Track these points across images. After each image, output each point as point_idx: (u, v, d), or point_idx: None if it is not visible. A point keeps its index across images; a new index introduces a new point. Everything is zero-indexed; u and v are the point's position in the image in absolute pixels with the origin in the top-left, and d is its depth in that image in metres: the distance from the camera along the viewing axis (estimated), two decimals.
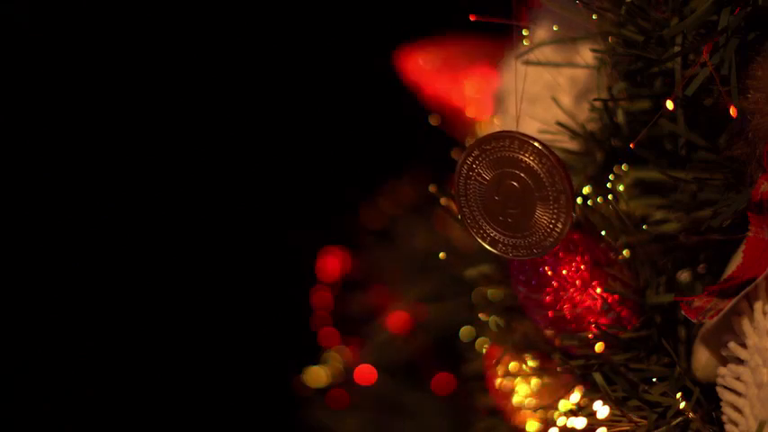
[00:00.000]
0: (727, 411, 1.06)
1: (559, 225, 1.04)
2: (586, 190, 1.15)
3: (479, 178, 1.06)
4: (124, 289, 2.06)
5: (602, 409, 1.10)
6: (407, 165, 1.69)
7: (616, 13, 1.08)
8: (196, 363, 2.04)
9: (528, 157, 1.03)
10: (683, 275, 1.15)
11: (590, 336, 1.12)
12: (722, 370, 1.06)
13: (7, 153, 2.03)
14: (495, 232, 1.06)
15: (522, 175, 1.04)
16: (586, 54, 1.17)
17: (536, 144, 1.03)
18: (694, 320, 1.05)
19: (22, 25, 2.02)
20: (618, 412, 1.10)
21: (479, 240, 1.07)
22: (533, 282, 1.13)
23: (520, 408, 1.25)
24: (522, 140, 1.03)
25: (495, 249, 1.07)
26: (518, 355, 1.20)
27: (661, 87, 1.12)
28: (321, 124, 2.05)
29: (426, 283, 1.61)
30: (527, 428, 1.23)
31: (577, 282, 1.12)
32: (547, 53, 1.19)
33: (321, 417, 1.69)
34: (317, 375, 1.72)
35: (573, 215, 1.03)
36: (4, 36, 2.00)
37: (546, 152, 1.03)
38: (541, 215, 1.04)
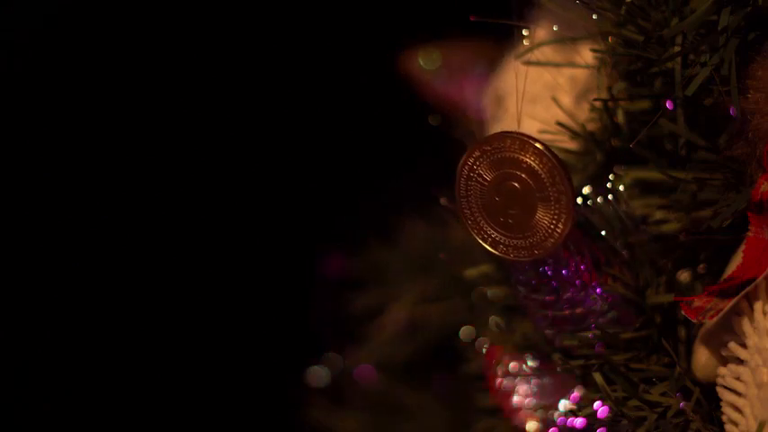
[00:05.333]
0: (727, 411, 1.06)
1: (560, 226, 1.04)
2: (586, 190, 1.15)
3: (480, 179, 1.06)
4: (124, 289, 2.06)
5: (602, 409, 1.10)
6: (408, 165, 1.68)
7: (616, 13, 1.08)
8: (196, 363, 2.04)
9: (529, 158, 1.03)
10: (683, 275, 1.15)
11: (590, 336, 1.12)
12: (722, 370, 1.06)
13: (7, 153, 2.03)
14: (495, 233, 1.06)
15: (523, 175, 1.04)
16: (586, 54, 1.17)
17: (537, 145, 1.03)
18: (694, 320, 1.05)
19: (22, 24, 2.02)
20: (618, 412, 1.10)
21: (480, 241, 1.07)
22: (533, 282, 1.13)
23: (520, 408, 1.25)
24: (523, 141, 1.03)
25: (496, 251, 1.07)
26: (518, 355, 1.20)
27: (661, 87, 1.11)
28: (321, 124, 2.05)
29: (426, 283, 1.60)
30: (527, 428, 1.23)
31: (577, 282, 1.12)
32: (547, 53, 1.19)
33: (321, 417, 1.69)
34: (318, 375, 1.72)
35: (574, 216, 1.03)
36: (4, 36, 2.00)
37: (547, 153, 1.02)
38: (542, 216, 1.04)
